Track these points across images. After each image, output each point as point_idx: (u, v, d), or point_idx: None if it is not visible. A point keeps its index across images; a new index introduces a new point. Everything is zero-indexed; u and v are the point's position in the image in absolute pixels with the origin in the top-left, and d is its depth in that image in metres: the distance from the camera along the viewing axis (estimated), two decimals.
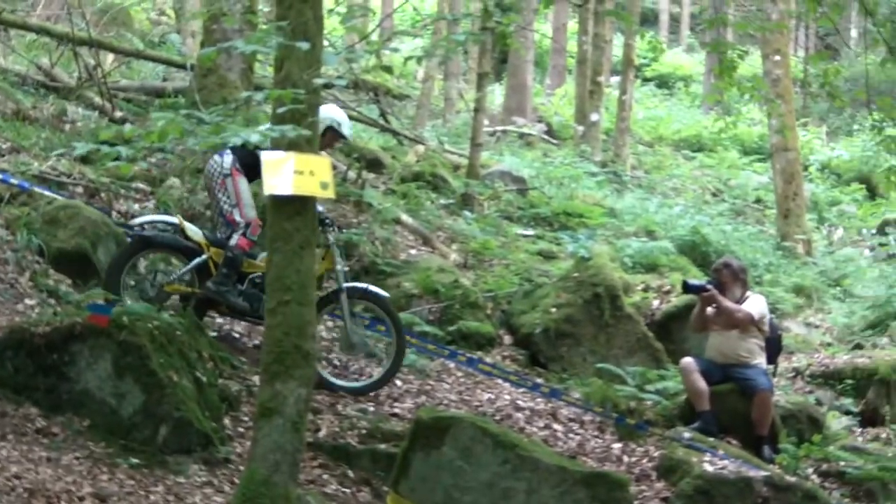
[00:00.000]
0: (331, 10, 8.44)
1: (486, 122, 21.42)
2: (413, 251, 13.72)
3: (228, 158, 10.09)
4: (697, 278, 13.40)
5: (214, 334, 10.09)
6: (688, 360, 11.12)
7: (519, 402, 11.29)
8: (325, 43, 7.95)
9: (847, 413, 12.49)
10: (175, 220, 10.22)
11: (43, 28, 16.64)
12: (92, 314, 8.27)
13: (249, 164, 9.82)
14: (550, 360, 12.42)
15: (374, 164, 16.25)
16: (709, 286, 11.15)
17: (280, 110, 6.51)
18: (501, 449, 6.90)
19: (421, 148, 18.67)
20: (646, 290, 14.21)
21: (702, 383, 10.88)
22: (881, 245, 20.19)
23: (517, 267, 14.17)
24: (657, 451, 10.54)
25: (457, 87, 26.74)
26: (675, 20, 48.97)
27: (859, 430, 12.26)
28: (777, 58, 19.82)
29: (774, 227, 20.72)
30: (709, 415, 10.79)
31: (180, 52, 19.18)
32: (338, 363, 10.82)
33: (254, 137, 6.59)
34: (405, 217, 14.45)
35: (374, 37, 7.60)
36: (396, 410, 10.34)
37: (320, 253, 10.16)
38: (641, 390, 11.72)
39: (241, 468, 7.66)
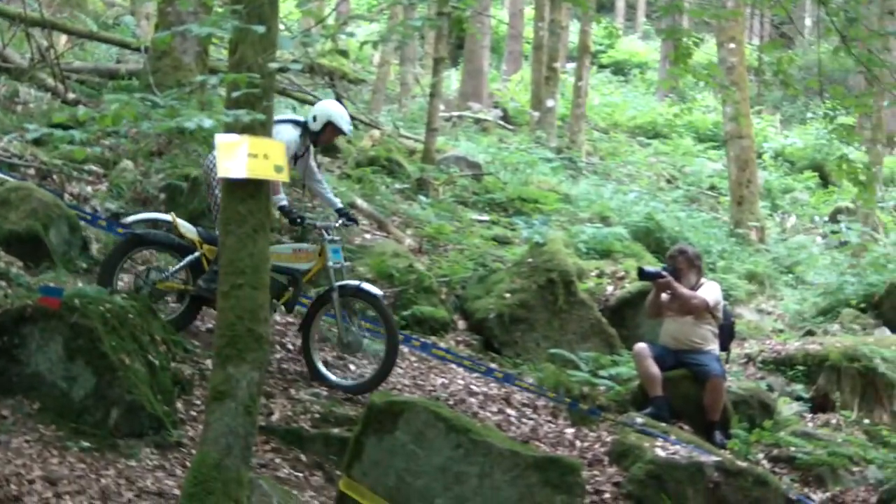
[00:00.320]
0: None
1: (441, 107, 21.39)
2: (368, 236, 13.71)
3: None
4: (652, 264, 13.46)
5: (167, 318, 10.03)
6: (641, 346, 11.17)
7: (473, 387, 11.32)
8: (281, 26, 7.93)
9: (798, 399, 12.58)
10: (168, 217, 10.20)
11: None
12: (43, 296, 8.21)
13: None
14: (504, 345, 12.45)
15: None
16: (664, 273, 11.20)
17: (235, 94, 6.48)
18: (454, 433, 6.91)
19: (376, 133, 18.64)
20: (600, 275, 14.27)
21: (655, 369, 10.93)
22: (833, 233, 20.34)
23: (472, 252, 14.19)
24: (610, 436, 10.59)
25: (413, 72, 26.69)
26: (630, 7, 49.15)
27: (810, 415, 12.35)
28: (732, 45, 19.91)
29: (728, 214, 20.84)
30: (661, 400, 10.84)
31: (134, 34, 19.08)
32: (334, 360, 10.80)
33: (207, 122, 6.55)
34: (360, 201, 14.44)
35: (330, 21, 7.58)
36: (350, 395, 10.34)
37: (315, 251, 10.18)
38: (595, 376, 11.77)
39: (194, 452, 7.64)
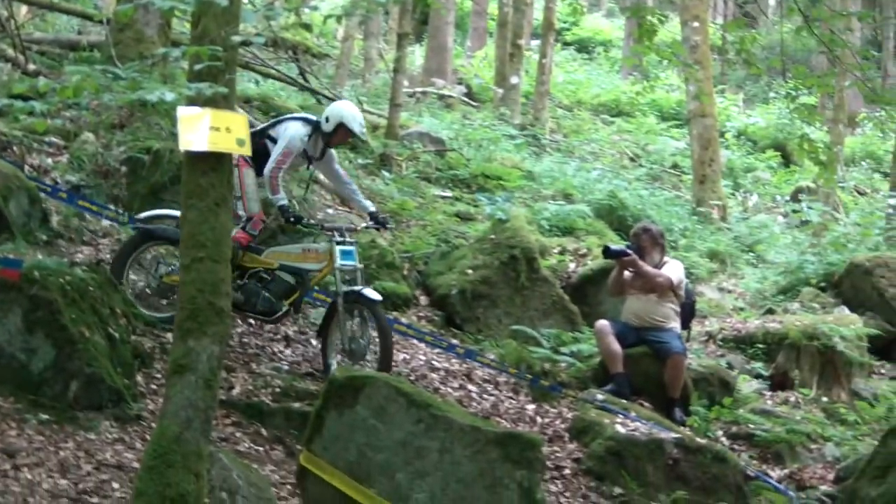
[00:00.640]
0: None
1: (405, 83, 21.34)
2: (330, 210, 13.66)
3: None
4: (615, 242, 13.50)
5: (128, 291, 9.99)
6: (603, 323, 11.20)
7: (434, 363, 11.34)
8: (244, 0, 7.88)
9: (757, 377, 12.67)
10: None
11: None
12: (2, 268, 8.14)
13: (258, 152, 9.83)
14: (466, 322, 12.45)
15: None
16: (630, 251, 11.23)
17: (197, 67, 6.44)
18: (415, 408, 6.91)
19: None
20: (562, 252, 14.29)
21: (616, 346, 10.97)
22: (794, 212, 20.43)
23: (434, 228, 14.19)
24: (570, 412, 10.64)
25: (377, 48, 26.60)
26: None
27: (769, 393, 12.44)
28: (695, 24, 19.94)
29: (690, 192, 20.91)
30: (622, 377, 10.88)
31: (96, 5, 18.88)
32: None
33: (169, 95, 6.50)
34: (322, 176, 14.37)
35: None
36: (311, 370, 10.33)
37: (326, 252, 10.09)
38: (556, 352, 11.80)
39: (153, 425, 7.61)
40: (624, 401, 10.61)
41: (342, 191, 10.69)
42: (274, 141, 10.18)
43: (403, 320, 11.85)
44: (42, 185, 10.90)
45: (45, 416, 7.71)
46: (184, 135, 6.65)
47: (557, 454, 9.79)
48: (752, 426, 11.20)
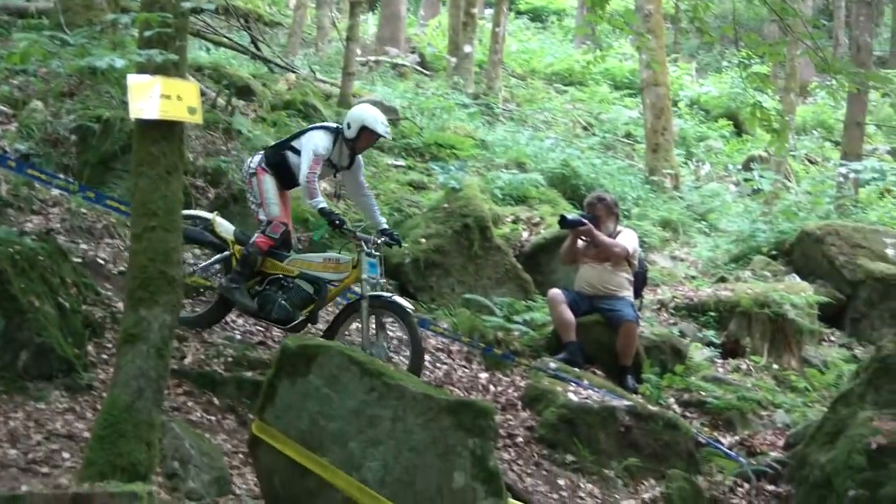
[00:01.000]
0: None
1: (358, 51, 21.28)
2: None
3: (257, 157, 10.16)
4: (568, 211, 13.52)
5: (79, 260, 9.90)
6: (555, 292, 11.24)
7: (388, 331, 11.31)
8: None
9: (709, 344, 12.75)
10: (209, 216, 10.22)
11: None
12: None
13: (278, 163, 9.95)
14: (419, 290, 12.45)
15: (245, 92, 16.01)
16: (585, 220, 11.25)
17: (147, 34, 6.40)
18: (368, 377, 6.89)
19: (292, 76, 18.47)
20: (515, 221, 14.32)
21: (569, 314, 11.01)
22: (746, 181, 20.57)
23: (387, 197, 14.15)
24: (523, 380, 10.67)
25: (329, 16, 26.48)
26: None
27: (720, 361, 12.53)
28: None
29: (643, 161, 20.98)
30: (574, 346, 10.93)
31: None
32: None
33: (119, 62, 6.45)
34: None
35: None
36: (263, 339, 10.31)
37: (348, 262, 9.99)
38: (509, 321, 11.83)
39: (104, 395, 7.56)
40: (576, 369, 10.66)
41: (362, 203, 10.50)
42: (296, 151, 10.03)
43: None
44: None
45: None
46: (134, 103, 6.61)
47: (510, 422, 9.82)
48: (703, 393, 11.28)
